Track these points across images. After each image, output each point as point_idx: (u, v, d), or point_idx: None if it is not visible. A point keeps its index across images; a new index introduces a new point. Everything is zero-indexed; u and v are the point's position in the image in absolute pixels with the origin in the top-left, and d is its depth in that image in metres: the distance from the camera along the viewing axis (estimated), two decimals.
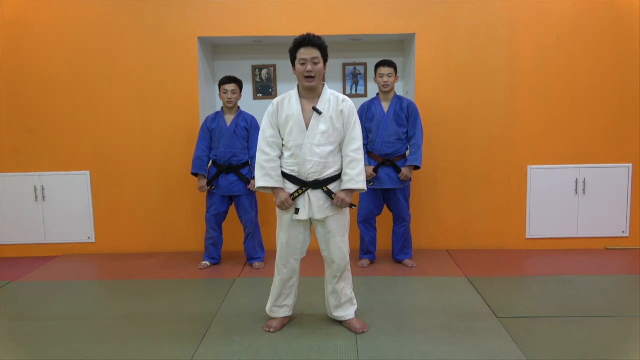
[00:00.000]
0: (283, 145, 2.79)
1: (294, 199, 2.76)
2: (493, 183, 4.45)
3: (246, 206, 4.01)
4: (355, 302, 2.98)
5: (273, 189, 2.78)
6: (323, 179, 2.75)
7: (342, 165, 2.79)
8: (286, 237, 2.84)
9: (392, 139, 3.90)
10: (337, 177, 2.78)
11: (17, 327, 3.03)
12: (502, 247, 4.51)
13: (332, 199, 2.76)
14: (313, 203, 2.75)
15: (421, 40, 4.33)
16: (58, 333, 2.94)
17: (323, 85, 2.80)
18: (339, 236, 2.82)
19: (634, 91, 4.33)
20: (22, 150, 4.46)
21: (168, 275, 3.93)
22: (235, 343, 2.77)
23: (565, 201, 4.44)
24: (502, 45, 4.32)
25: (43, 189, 4.49)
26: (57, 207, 4.50)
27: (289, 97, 2.78)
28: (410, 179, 3.99)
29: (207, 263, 4.13)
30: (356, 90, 4.84)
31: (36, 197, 4.50)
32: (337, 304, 2.93)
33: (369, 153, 3.95)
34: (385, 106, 3.94)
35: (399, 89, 4.46)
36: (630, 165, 4.40)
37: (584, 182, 4.42)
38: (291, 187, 2.78)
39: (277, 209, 2.83)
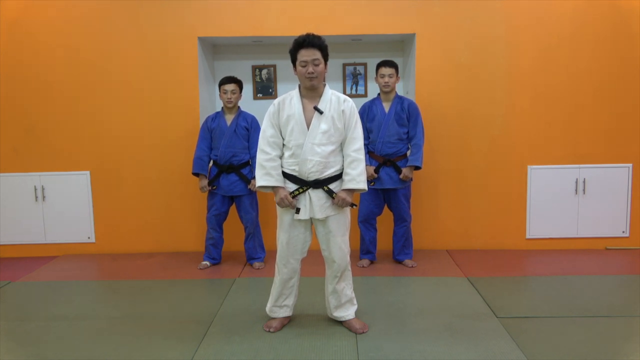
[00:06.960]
0: (283, 145, 2.80)
1: (294, 197, 2.77)
2: (493, 183, 4.45)
3: (247, 206, 4.01)
4: (355, 302, 2.98)
5: (273, 187, 2.78)
6: (323, 178, 2.75)
7: (343, 165, 2.79)
8: (287, 237, 2.84)
9: (393, 139, 3.91)
10: (337, 177, 2.79)
11: (17, 327, 3.03)
12: (502, 247, 4.51)
13: (333, 198, 2.76)
14: (314, 202, 2.75)
15: (421, 40, 4.33)
16: (58, 333, 2.94)
17: (324, 85, 2.80)
18: (339, 236, 2.82)
19: (634, 91, 4.33)
20: (22, 150, 4.46)
21: (168, 275, 3.93)
22: (235, 343, 2.77)
23: (565, 201, 4.44)
24: (502, 45, 4.32)
25: (43, 189, 4.49)
26: (57, 207, 4.50)
27: (290, 97, 2.79)
28: (411, 179, 3.99)
29: (207, 263, 4.13)
30: (356, 90, 4.84)
31: (36, 197, 4.50)
32: (337, 304, 2.93)
33: (369, 153, 3.95)
34: (386, 106, 3.94)
35: (399, 89, 4.45)
36: (630, 165, 4.40)
37: (584, 182, 4.42)
38: (292, 187, 2.78)
39: (278, 209, 2.83)
